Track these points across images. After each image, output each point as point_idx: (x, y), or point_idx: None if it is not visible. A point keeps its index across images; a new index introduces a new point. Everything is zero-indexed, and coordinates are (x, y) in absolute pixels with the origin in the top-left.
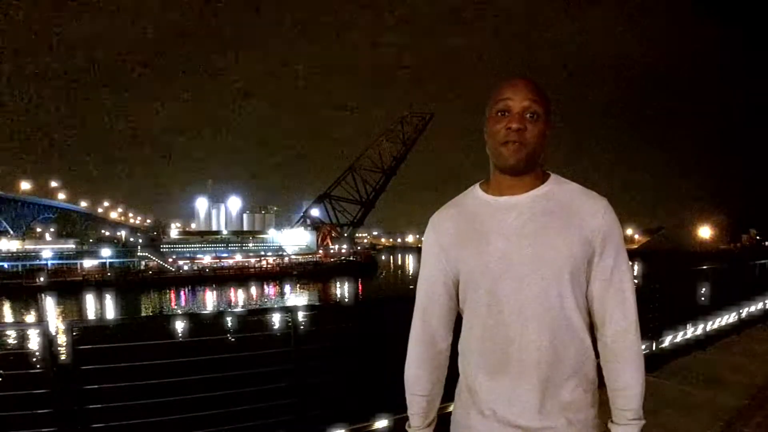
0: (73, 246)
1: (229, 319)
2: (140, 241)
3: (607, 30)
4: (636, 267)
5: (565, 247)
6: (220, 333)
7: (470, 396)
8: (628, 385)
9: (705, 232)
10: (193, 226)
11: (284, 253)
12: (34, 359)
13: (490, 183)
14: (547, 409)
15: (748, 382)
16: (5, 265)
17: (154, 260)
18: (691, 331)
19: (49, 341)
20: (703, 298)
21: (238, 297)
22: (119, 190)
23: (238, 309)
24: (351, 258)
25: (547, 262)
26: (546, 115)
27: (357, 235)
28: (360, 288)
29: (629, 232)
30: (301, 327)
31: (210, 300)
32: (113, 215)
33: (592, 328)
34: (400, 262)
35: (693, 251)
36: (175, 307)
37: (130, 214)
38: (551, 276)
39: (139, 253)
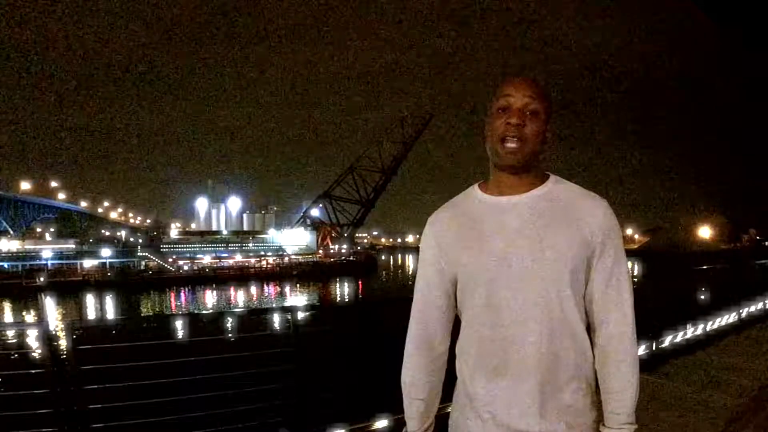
0: (73, 246)
1: (229, 319)
2: (140, 241)
3: (607, 30)
4: (636, 267)
5: (565, 248)
6: (220, 333)
7: (468, 399)
8: (622, 387)
9: (705, 232)
10: (193, 226)
11: (284, 253)
12: (34, 359)
13: (489, 183)
14: (547, 413)
15: (749, 383)
16: (5, 265)
17: (154, 260)
18: (691, 331)
19: (49, 341)
20: (703, 298)
21: (238, 297)
22: (119, 190)
23: (238, 309)
24: (351, 258)
25: (547, 263)
26: (546, 114)
27: (357, 235)
28: (360, 288)
29: (629, 232)
30: (301, 327)
31: (210, 300)
32: (113, 215)
33: (590, 330)
34: (400, 262)
35: (693, 251)
36: (175, 307)
37: (130, 214)
38: (551, 277)
39: (139, 253)
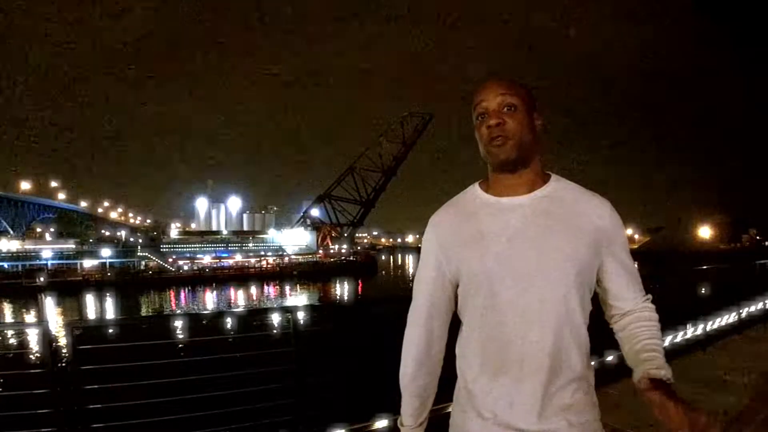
0: (73, 246)
1: (229, 319)
2: (140, 241)
3: (608, 29)
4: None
5: (569, 249)
6: (220, 333)
7: (469, 399)
8: (659, 345)
9: (705, 232)
10: (193, 226)
11: (284, 253)
12: (34, 359)
13: (489, 183)
14: (548, 412)
15: (749, 383)
16: (5, 265)
17: (154, 260)
18: (691, 331)
19: (49, 341)
20: (703, 298)
21: (238, 297)
22: (119, 190)
23: (238, 309)
24: (351, 258)
25: (552, 264)
26: (526, 106)
27: (357, 235)
28: (360, 288)
29: (629, 231)
30: (301, 327)
31: (210, 300)
32: (113, 215)
33: (608, 313)
34: (400, 262)
35: (693, 251)
36: (175, 307)
37: (130, 214)
38: (556, 278)
39: (139, 253)
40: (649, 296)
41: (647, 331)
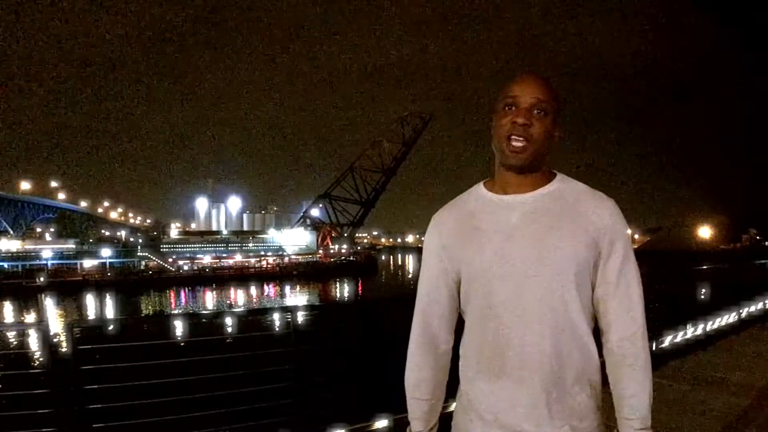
0: (73, 246)
1: (229, 319)
2: (140, 241)
3: (607, 29)
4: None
5: (570, 248)
6: (220, 333)
7: (470, 400)
8: (635, 392)
9: (705, 232)
10: (193, 226)
11: (284, 253)
12: (34, 359)
13: (494, 181)
14: (550, 415)
15: (749, 383)
16: (5, 265)
17: (154, 260)
18: (691, 331)
19: (49, 341)
20: (703, 298)
21: (238, 297)
22: (119, 190)
23: (238, 309)
24: (351, 258)
25: (552, 263)
26: (555, 114)
27: (357, 235)
28: (360, 288)
29: (629, 232)
30: (301, 327)
31: (210, 300)
32: (113, 215)
33: (595, 332)
34: (400, 262)
35: (693, 251)
36: (175, 307)
37: (130, 214)
38: (556, 277)
39: (139, 253)
40: (641, 324)
41: (626, 384)
